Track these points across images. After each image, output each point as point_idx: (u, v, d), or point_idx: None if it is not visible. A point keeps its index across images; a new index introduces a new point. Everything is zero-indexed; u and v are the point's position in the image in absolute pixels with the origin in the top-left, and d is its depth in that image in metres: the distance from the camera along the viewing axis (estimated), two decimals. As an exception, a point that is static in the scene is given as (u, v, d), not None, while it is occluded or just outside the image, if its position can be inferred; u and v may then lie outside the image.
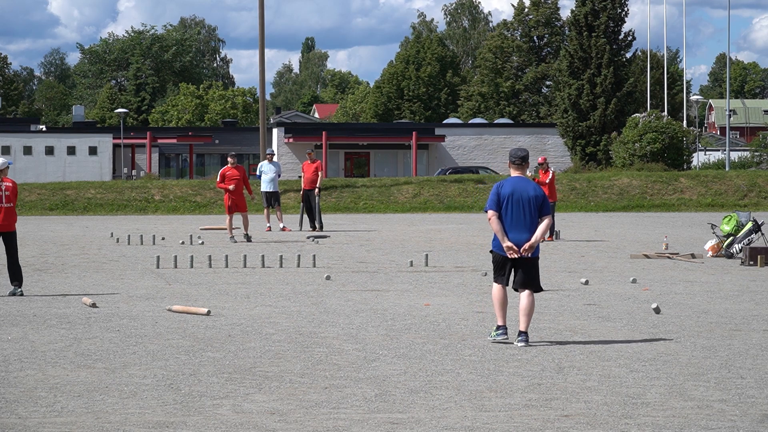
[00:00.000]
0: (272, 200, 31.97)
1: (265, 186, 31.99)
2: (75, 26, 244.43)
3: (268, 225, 32.01)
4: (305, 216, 32.62)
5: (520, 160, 12.28)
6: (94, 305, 15.06)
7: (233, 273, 20.09)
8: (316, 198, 31.90)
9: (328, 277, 18.91)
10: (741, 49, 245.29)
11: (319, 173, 31.93)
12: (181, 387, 9.67)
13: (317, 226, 32.05)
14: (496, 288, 12.17)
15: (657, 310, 14.53)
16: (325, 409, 8.87)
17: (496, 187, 12.19)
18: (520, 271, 12.11)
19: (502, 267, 12.16)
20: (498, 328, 12.15)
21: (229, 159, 29.05)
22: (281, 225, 32.20)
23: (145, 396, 9.31)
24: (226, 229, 33.43)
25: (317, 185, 31.78)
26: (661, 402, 9.12)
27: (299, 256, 22.06)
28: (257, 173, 32.55)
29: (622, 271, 20.52)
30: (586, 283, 18.11)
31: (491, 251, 12.32)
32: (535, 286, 12.16)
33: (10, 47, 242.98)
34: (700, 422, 8.41)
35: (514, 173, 12.32)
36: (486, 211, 12.22)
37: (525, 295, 12.11)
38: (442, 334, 12.79)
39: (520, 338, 12.02)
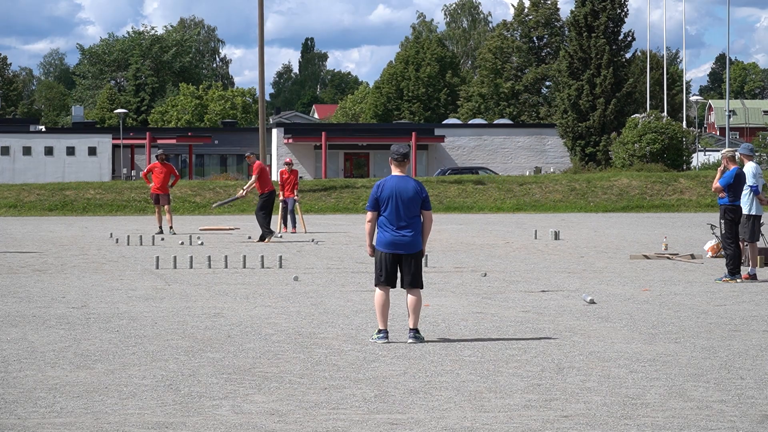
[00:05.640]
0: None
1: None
2: (103, 26, 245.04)
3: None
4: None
5: (402, 156, 12.25)
6: None
7: (232, 273, 20.08)
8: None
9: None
10: (747, 48, 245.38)
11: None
12: (180, 388, 9.66)
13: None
14: (380, 293, 12.21)
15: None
16: (325, 409, 8.86)
17: (376, 187, 12.21)
18: (406, 269, 12.18)
19: (387, 267, 12.15)
20: (380, 332, 12.24)
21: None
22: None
23: (145, 397, 9.30)
24: (222, 229, 33.58)
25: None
26: (660, 403, 9.11)
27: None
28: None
29: (621, 272, 20.52)
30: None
31: (372, 252, 12.32)
32: (420, 283, 12.27)
33: (36, 46, 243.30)
34: (700, 423, 8.40)
35: (395, 171, 12.33)
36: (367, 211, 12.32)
37: (413, 292, 12.22)
38: (441, 334, 12.78)
39: (411, 335, 12.20)
